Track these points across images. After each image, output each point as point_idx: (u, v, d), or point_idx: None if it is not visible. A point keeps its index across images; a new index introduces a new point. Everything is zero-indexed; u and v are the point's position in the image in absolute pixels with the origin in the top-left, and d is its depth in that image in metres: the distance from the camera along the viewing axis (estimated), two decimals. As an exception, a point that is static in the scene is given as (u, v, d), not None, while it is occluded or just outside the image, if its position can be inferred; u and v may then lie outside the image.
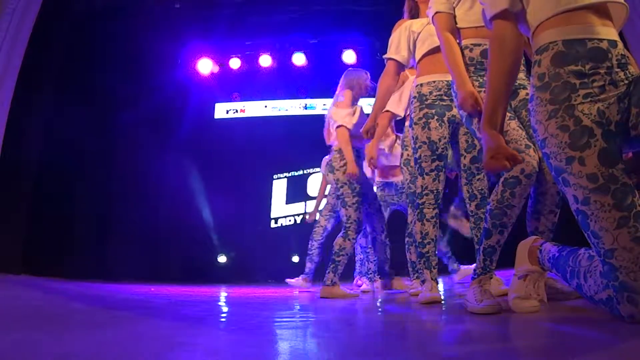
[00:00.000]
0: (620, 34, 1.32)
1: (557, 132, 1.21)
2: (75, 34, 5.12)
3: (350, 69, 3.28)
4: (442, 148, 2.17)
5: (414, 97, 2.25)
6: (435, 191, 2.18)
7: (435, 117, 2.17)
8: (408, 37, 2.36)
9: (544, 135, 1.25)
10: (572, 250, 1.36)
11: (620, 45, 1.24)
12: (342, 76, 3.18)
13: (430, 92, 2.21)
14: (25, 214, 4.49)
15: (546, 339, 1.19)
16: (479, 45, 1.87)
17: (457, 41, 1.93)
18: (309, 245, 4.23)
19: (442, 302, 2.11)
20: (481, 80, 1.83)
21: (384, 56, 2.46)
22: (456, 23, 1.95)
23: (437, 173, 2.18)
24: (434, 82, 2.22)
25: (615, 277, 1.13)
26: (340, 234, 2.94)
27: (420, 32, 2.30)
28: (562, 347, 1.02)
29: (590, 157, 1.16)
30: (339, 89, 3.16)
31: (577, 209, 1.21)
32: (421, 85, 2.24)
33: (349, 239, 2.90)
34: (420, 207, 2.20)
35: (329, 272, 2.88)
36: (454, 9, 1.95)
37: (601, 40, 1.22)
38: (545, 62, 1.26)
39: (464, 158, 2.16)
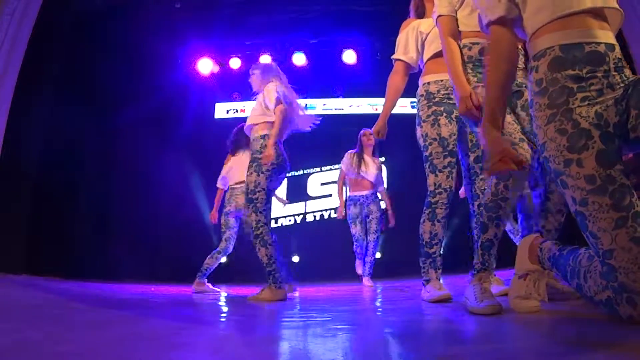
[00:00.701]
0: (620, 34, 1.32)
1: (556, 135, 1.22)
2: (75, 33, 5.11)
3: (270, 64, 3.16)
4: (452, 144, 2.17)
5: (421, 95, 2.25)
6: (448, 189, 2.16)
7: (444, 114, 2.18)
8: (416, 37, 2.36)
9: (543, 139, 1.26)
10: (573, 250, 1.36)
11: (617, 48, 1.24)
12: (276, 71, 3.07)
13: (438, 91, 2.21)
14: (26, 214, 4.49)
15: (546, 339, 1.19)
16: (477, 44, 1.91)
17: (458, 42, 1.95)
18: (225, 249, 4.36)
19: (451, 299, 2.09)
20: (479, 76, 1.86)
21: (392, 57, 2.46)
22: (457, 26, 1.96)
23: (450, 170, 2.16)
24: (441, 80, 2.22)
25: (614, 277, 1.13)
26: None
27: (428, 33, 2.30)
28: (562, 347, 1.02)
29: (588, 159, 1.17)
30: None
31: (575, 210, 1.21)
32: (428, 83, 2.25)
33: None
34: (433, 206, 2.16)
35: None
36: (456, 11, 1.96)
37: (599, 43, 1.22)
38: (542, 68, 1.26)
39: (468, 157, 2.16)
